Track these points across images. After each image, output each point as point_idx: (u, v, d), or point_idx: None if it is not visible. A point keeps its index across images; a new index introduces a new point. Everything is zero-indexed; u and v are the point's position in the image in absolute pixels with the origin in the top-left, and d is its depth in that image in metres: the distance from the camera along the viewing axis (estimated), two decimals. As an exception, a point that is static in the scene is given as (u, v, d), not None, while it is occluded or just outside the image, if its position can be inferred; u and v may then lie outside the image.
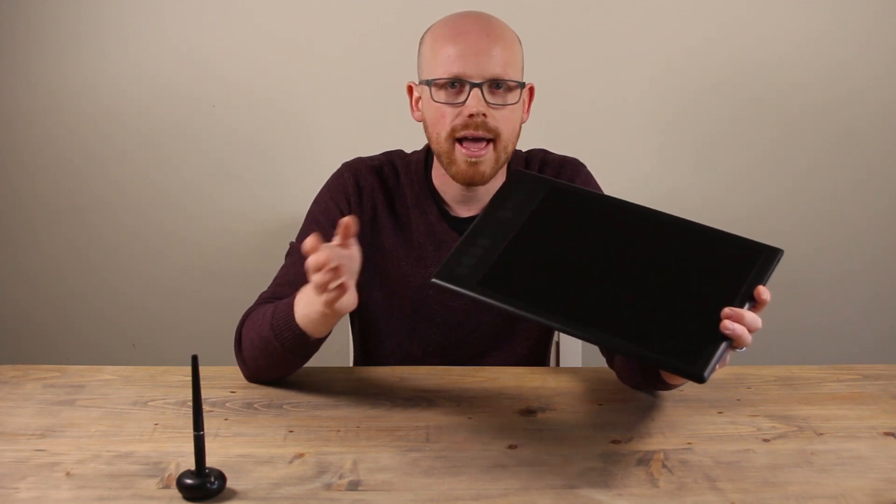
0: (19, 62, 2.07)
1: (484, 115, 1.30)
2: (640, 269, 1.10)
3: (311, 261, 1.07)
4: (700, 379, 0.99)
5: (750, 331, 1.03)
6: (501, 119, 1.32)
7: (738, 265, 1.08)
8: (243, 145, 2.13)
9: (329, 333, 1.25)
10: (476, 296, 1.09)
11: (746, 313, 1.03)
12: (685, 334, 1.03)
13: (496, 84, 1.31)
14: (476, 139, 1.32)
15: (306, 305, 1.20)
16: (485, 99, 1.30)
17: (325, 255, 1.07)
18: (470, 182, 1.35)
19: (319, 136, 2.12)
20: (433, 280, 1.10)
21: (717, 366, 1.01)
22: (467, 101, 1.30)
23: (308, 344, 1.24)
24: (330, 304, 1.11)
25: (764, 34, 2.10)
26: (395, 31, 2.00)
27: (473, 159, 1.32)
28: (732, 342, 1.02)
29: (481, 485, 1.06)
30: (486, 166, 1.34)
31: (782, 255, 1.09)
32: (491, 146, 1.33)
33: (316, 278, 1.08)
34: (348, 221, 1.12)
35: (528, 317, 1.07)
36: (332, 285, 1.08)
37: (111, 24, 2.06)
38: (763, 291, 1.05)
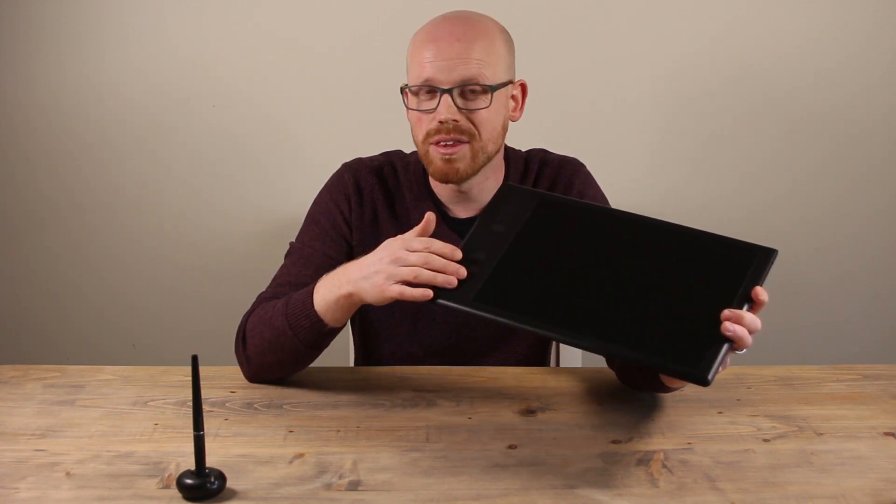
0: (19, 62, 2.07)
1: (455, 120, 1.31)
2: (636, 275, 1.11)
3: (438, 247, 1.13)
4: (704, 382, 1.00)
5: (750, 332, 1.03)
6: (476, 121, 1.32)
7: (734, 267, 1.08)
8: (243, 145, 2.13)
9: (343, 327, 1.26)
10: (473, 311, 1.10)
11: (746, 314, 1.03)
12: (686, 338, 1.03)
13: (468, 88, 1.31)
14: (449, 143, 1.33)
15: (329, 291, 1.21)
16: (456, 104, 1.30)
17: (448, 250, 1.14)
18: (446, 179, 1.35)
19: (319, 136, 2.12)
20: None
21: (720, 368, 1.01)
22: (438, 108, 1.31)
23: (323, 333, 1.24)
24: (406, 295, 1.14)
25: (763, 35, 2.09)
26: (392, 32, 1.99)
27: (447, 156, 1.33)
28: (733, 343, 1.03)
29: (481, 485, 1.06)
30: (462, 163, 1.34)
31: (777, 255, 1.09)
32: (466, 145, 1.33)
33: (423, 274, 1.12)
34: (431, 217, 1.19)
35: (527, 329, 1.09)
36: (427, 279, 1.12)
37: (111, 25, 2.06)
38: (760, 292, 1.05)
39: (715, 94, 2.13)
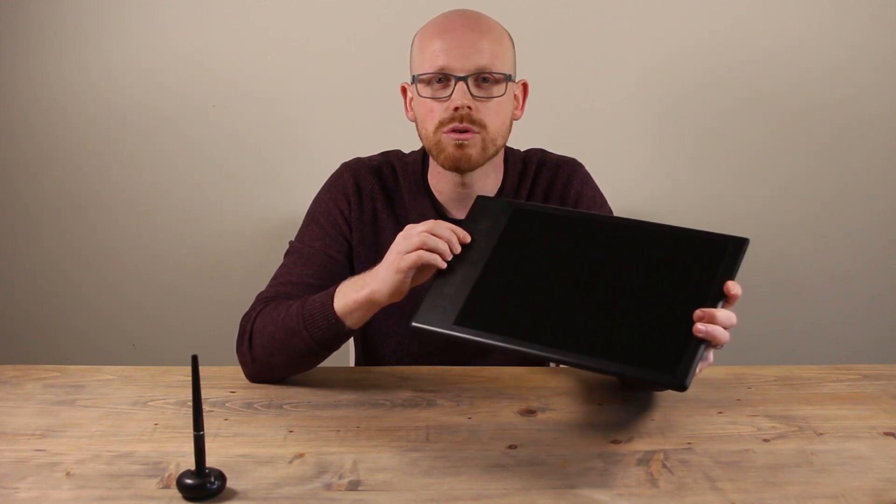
0: (19, 62, 2.07)
1: (469, 108, 1.31)
2: (610, 282, 1.10)
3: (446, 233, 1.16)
4: (682, 388, 0.99)
5: (725, 327, 1.02)
6: (488, 112, 1.33)
7: (707, 261, 1.07)
8: (243, 145, 2.13)
9: (357, 329, 1.26)
10: (453, 334, 1.11)
11: (718, 312, 1.02)
12: (661, 343, 1.02)
13: (482, 77, 1.32)
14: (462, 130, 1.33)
15: (351, 292, 1.22)
16: (470, 92, 1.31)
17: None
18: (457, 166, 1.35)
19: (318, 136, 2.12)
20: (413, 324, 1.13)
21: (698, 368, 1.01)
22: (452, 95, 1.31)
23: (339, 334, 1.25)
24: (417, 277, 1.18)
25: (759, 33, 2.10)
26: (393, 31, 1.99)
27: (460, 142, 1.33)
28: (708, 343, 1.02)
29: (481, 485, 1.06)
30: (473, 150, 1.34)
31: (748, 243, 1.08)
32: (478, 135, 1.33)
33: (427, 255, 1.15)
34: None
35: (505, 347, 1.08)
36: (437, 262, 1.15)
37: (111, 24, 2.06)
38: (732, 287, 1.04)
39: (713, 93, 2.13)
